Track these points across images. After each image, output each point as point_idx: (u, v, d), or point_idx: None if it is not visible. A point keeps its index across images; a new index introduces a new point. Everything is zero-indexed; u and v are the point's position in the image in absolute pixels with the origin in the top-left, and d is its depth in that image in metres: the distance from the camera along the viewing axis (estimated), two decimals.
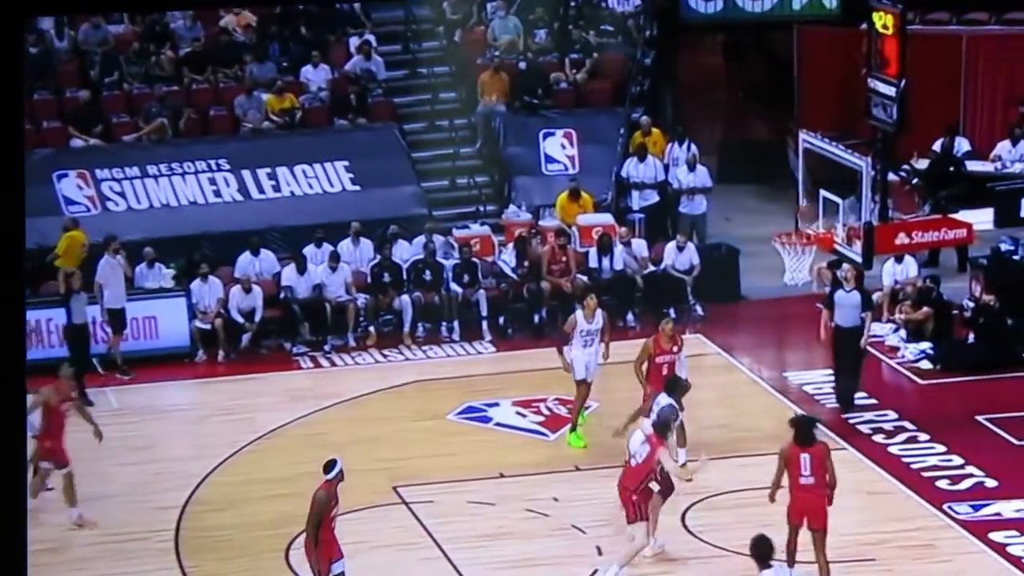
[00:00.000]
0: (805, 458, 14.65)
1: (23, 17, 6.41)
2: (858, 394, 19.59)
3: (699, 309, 22.63)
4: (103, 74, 24.83)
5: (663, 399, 15.97)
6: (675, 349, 17.39)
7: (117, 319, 20.93)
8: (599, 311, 18.23)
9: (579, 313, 18.25)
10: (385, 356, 21.67)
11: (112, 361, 20.95)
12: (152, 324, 21.50)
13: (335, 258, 22.04)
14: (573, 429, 18.49)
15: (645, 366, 17.37)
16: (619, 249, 22.65)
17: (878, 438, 18.73)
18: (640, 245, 23.12)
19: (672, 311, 21.07)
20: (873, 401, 19.70)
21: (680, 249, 22.80)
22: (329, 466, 13.80)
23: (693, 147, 24.44)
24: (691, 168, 24.19)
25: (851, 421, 19.15)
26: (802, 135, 20.76)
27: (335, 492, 13.83)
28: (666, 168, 24.36)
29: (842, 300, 19.16)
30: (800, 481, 14.67)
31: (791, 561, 14.79)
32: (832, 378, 19.70)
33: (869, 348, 19.96)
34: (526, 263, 22.51)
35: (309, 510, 13.76)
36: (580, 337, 18.13)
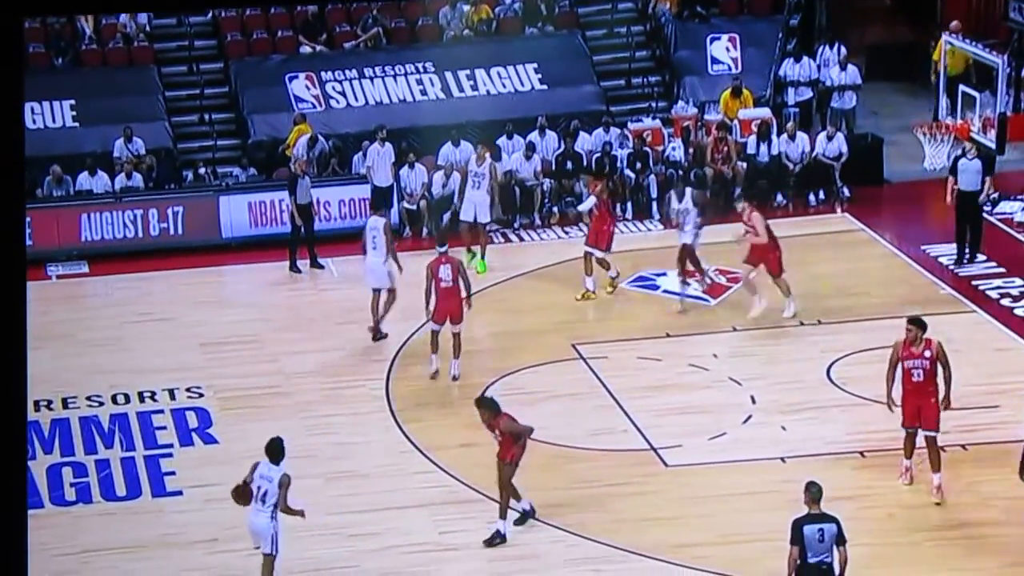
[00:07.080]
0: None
1: (22, 17, 5.32)
2: (988, 263, 19.11)
3: (846, 191, 22.14)
4: None
5: None
6: (927, 353, 13.84)
7: (383, 196, 20.80)
8: (488, 160, 19.71)
9: (472, 156, 20.00)
10: (567, 232, 21.47)
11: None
12: (363, 205, 21.13)
13: (531, 147, 21.93)
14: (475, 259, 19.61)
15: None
16: (781, 139, 22.17)
17: (1005, 302, 18.31)
18: (802, 140, 22.32)
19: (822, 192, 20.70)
20: (1001, 270, 19.27)
21: (830, 139, 22.24)
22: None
23: (843, 49, 23.87)
24: (842, 68, 23.64)
25: (980, 288, 18.70)
26: (944, 36, 20.05)
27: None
28: (819, 68, 23.89)
29: (965, 167, 19.02)
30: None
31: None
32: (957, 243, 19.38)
33: (999, 223, 19.42)
34: (691, 152, 22.27)
35: None
36: (470, 178, 19.83)
